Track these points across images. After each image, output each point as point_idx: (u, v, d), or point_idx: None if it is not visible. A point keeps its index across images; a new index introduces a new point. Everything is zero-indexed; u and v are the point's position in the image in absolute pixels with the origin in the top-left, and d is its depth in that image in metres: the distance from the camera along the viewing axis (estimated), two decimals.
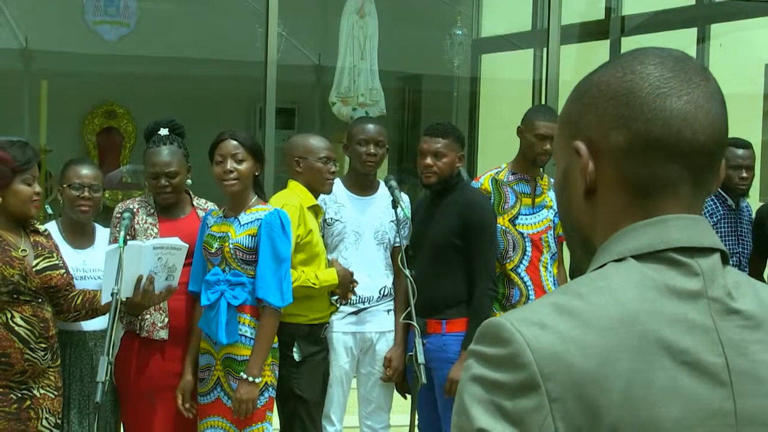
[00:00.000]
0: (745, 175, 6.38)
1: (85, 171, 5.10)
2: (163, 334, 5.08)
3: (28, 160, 4.67)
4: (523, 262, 5.74)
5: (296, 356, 5.21)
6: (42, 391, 4.62)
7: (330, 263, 5.37)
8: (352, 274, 5.35)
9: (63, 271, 4.75)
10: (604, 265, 1.43)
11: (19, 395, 4.56)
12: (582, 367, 1.33)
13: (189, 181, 5.24)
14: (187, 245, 4.91)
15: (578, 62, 10.48)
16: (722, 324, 1.40)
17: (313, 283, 5.18)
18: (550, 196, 5.88)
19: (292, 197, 5.24)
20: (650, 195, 1.45)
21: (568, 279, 6.03)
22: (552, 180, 6.01)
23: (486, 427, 1.32)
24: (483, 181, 5.83)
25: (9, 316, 4.52)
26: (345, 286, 5.32)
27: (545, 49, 9.35)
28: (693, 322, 1.38)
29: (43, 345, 4.59)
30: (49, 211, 8.94)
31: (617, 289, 1.38)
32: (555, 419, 1.31)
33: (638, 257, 1.42)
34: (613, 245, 1.44)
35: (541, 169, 5.97)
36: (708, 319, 1.40)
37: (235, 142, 5.03)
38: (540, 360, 1.32)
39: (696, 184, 1.45)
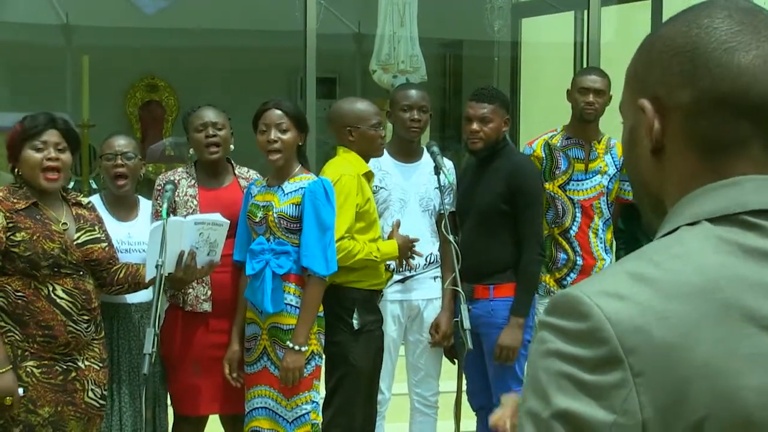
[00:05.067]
0: None
1: (118, 141, 5.11)
2: (207, 307, 5.09)
3: (36, 125, 4.57)
4: (573, 227, 5.71)
5: (356, 323, 5.17)
6: (87, 363, 4.60)
7: (390, 230, 5.34)
8: (412, 241, 5.32)
9: (105, 244, 4.71)
10: (676, 229, 1.38)
11: (65, 367, 4.54)
12: (664, 338, 1.27)
13: (231, 146, 5.24)
14: (229, 222, 4.91)
15: (619, 23, 10.36)
16: None
17: (375, 257, 5.15)
18: (606, 161, 5.84)
19: (348, 167, 5.18)
20: (720, 154, 1.39)
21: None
22: (612, 142, 5.92)
23: (564, 406, 1.27)
24: (536, 146, 5.83)
25: (51, 288, 4.50)
26: (404, 253, 5.30)
27: (586, 11, 9.24)
28: None
29: (86, 317, 4.57)
30: (94, 185, 8.99)
31: (695, 255, 1.33)
32: (639, 393, 1.26)
33: (712, 220, 1.36)
34: (686, 208, 1.39)
35: (601, 132, 5.90)
36: None
37: (279, 112, 5.00)
38: (621, 334, 1.27)
39: (767, 142, 1.40)
